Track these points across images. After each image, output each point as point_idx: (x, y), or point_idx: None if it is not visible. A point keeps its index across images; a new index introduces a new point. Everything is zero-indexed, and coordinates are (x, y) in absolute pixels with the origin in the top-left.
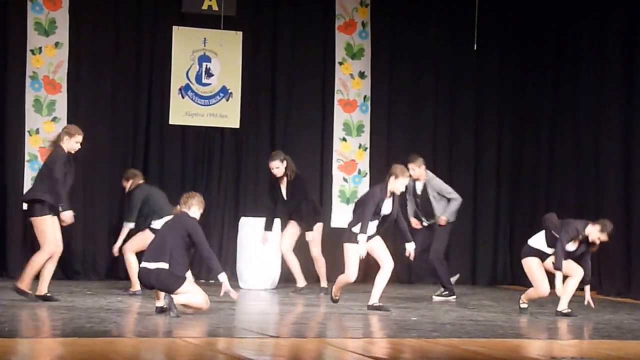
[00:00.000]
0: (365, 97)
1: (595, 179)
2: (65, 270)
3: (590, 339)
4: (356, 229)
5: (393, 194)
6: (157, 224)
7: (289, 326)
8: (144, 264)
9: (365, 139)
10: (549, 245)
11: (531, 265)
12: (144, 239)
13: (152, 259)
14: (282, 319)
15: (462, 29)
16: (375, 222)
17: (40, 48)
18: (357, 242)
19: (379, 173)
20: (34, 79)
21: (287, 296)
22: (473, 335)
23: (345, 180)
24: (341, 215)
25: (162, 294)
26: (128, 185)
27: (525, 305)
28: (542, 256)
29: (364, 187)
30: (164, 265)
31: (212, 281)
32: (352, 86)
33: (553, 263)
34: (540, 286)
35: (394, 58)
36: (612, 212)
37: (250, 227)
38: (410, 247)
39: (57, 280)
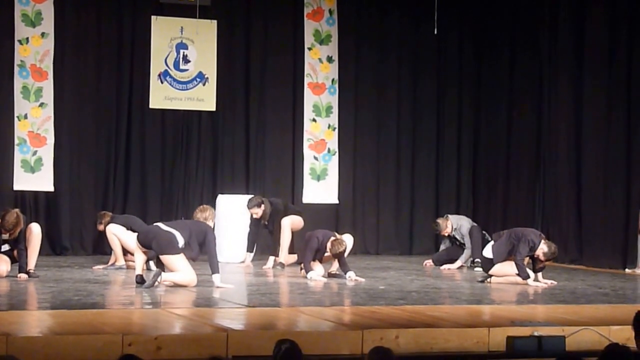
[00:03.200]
0: (333, 80)
1: (548, 154)
2: (54, 246)
3: (546, 304)
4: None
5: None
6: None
7: (265, 296)
8: (159, 224)
9: (333, 119)
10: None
11: (499, 271)
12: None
13: (173, 227)
14: (257, 290)
15: (423, 14)
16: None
17: (27, 38)
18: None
19: (347, 151)
20: (22, 67)
21: (261, 269)
22: (437, 302)
23: (315, 158)
24: (312, 191)
25: (142, 265)
26: (102, 226)
27: (489, 279)
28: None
29: (333, 164)
30: (180, 239)
31: None
32: (320, 70)
33: (518, 274)
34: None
35: (359, 43)
36: (565, 183)
37: (227, 204)
38: (351, 275)
39: (46, 257)
